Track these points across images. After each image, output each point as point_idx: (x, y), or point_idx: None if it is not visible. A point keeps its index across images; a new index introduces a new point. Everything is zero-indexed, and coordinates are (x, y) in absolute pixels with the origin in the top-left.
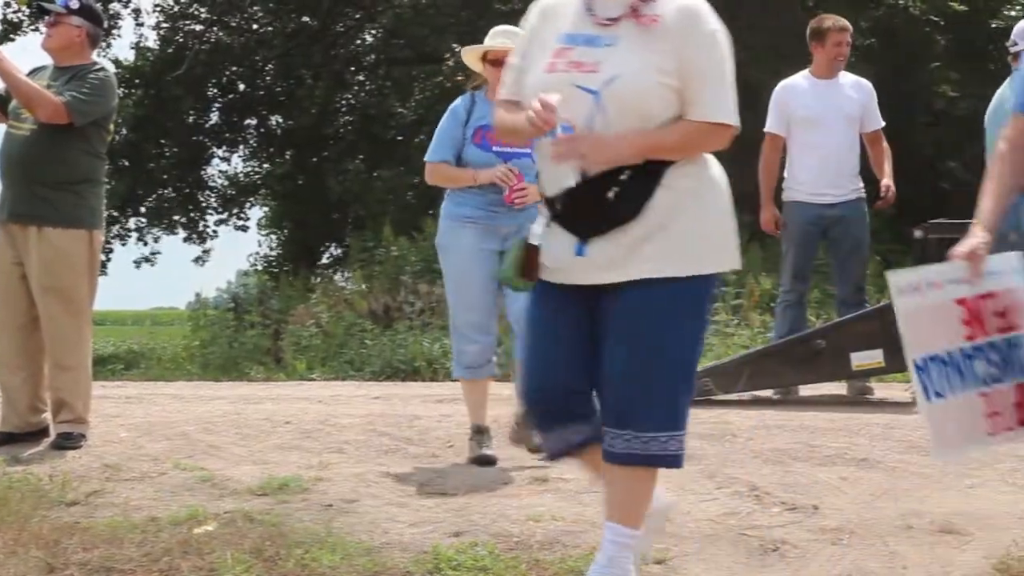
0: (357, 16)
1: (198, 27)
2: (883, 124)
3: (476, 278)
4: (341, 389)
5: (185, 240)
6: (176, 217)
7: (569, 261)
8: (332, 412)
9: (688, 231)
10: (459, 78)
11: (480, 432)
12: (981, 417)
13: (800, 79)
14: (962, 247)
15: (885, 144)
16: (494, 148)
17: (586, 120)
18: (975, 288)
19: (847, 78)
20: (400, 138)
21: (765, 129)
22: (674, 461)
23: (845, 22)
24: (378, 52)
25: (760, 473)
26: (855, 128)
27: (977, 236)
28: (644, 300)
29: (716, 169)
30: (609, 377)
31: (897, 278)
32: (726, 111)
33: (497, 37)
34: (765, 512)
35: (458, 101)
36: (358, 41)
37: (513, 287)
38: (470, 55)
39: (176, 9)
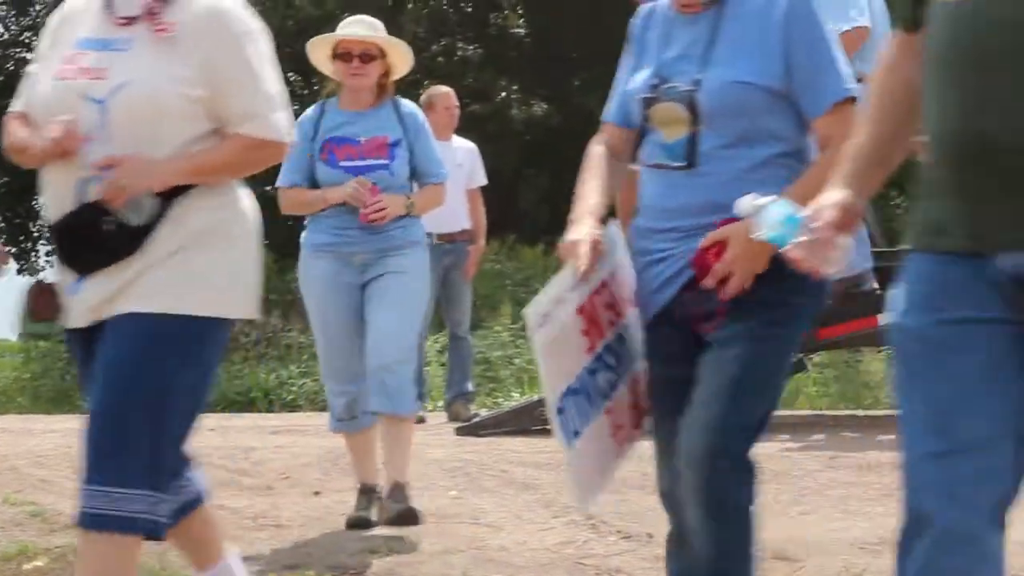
0: None
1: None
2: None
3: (333, 316)
4: None
5: (18, 272)
6: (7, 248)
7: (69, 301)
8: None
9: (188, 270)
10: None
11: (365, 492)
12: (609, 439)
13: None
14: (567, 240)
15: None
16: (342, 163)
17: (91, 133)
18: (587, 287)
19: None
20: None
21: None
22: (130, 525)
23: None
24: None
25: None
26: None
27: (585, 224)
28: (124, 336)
29: (244, 204)
30: (86, 422)
31: (531, 311)
32: (273, 125)
33: (351, 27)
34: (601, 541)
35: (306, 113)
36: None
37: (26, 330)
38: (317, 51)
39: (7, 36)
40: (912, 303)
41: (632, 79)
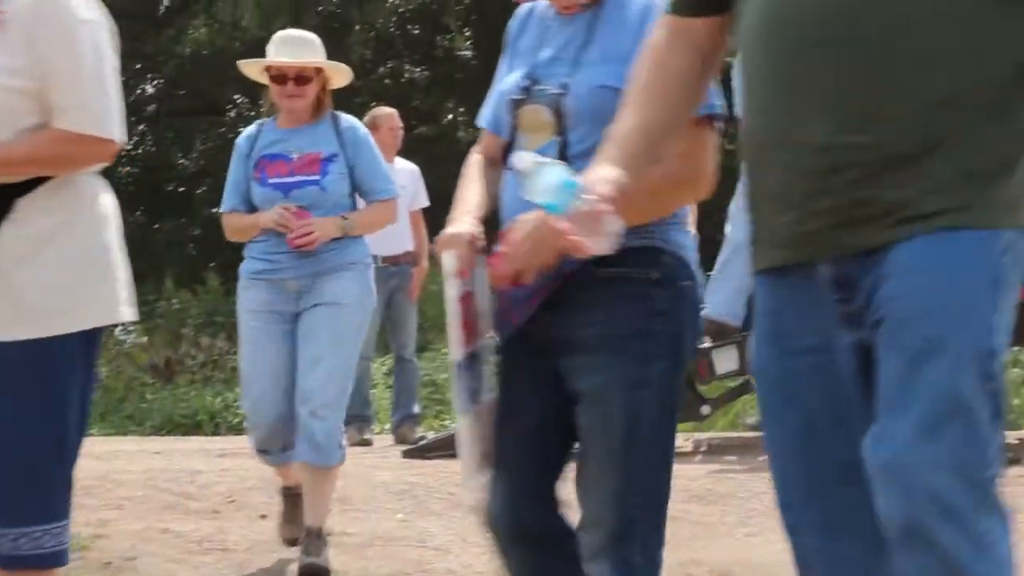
0: (138, 66)
1: None
2: None
3: (261, 348)
4: (121, 444)
5: None
6: None
7: None
8: (111, 468)
9: (43, 282)
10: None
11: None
12: (480, 438)
13: None
14: (445, 233)
15: None
16: (271, 181)
17: None
18: (463, 283)
19: None
20: (182, 189)
21: None
22: (52, 559)
23: None
24: (159, 102)
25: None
26: None
27: (464, 222)
28: None
29: (99, 200)
30: None
31: (446, 258)
32: (97, 120)
33: (283, 47)
34: None
35: (244, 132)
36: (139, 91)
37: None
38: (250, 69)
39: None
40: (759, 337)
41: (504, 81)
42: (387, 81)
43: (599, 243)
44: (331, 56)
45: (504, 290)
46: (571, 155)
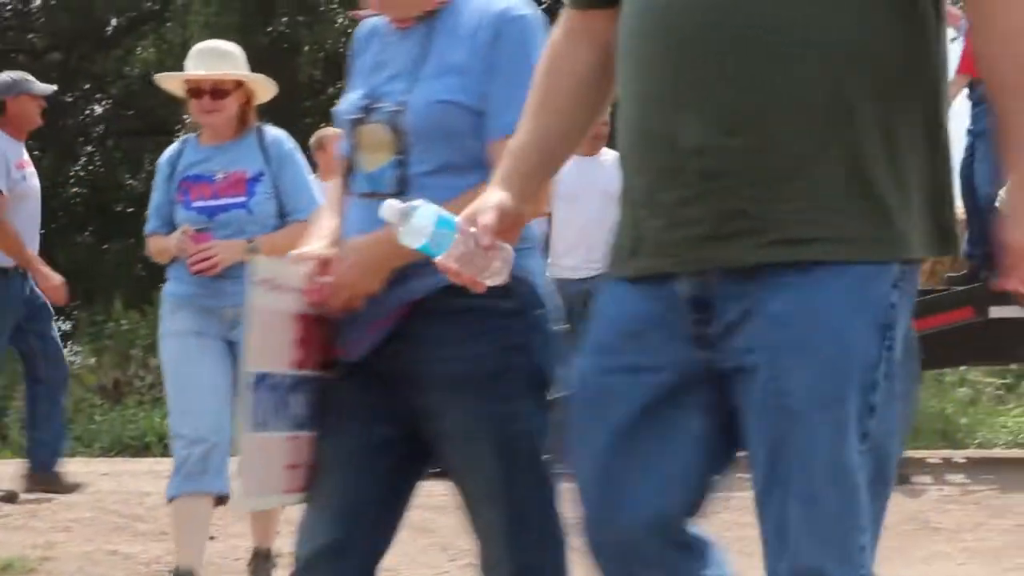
0: (86, 87)
1: None
2: None
3: (192, 360)
4: (69, 466)
5: None
6: None
7: None
8: None
9: None
10: None
11: None
12: (281, 467)
13: None
14: (306, 250)
15: None
16: (195, 204)
17: None
18: (306, 306)
19: (608, 155)
20: (130, 210)
21: None
22: None
23: None
24: (108, 123)
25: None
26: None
27: (317, 246)
28: None
29: None
30: None
31: (260, 264)
32: None
33: (199, 60)
34: None
35: (166, 151)
36: (87, 111)
37: None
38: (170, 84)
39: None
40: (589, 344)
41: (344, 100)
42: (336, 101)
43: (489, 275)
44: (280, 77)
45: (338, 318)
46: (411, 174)
